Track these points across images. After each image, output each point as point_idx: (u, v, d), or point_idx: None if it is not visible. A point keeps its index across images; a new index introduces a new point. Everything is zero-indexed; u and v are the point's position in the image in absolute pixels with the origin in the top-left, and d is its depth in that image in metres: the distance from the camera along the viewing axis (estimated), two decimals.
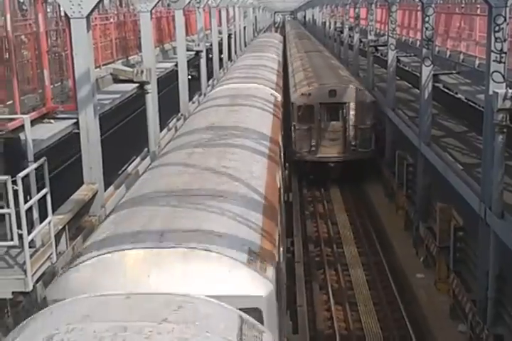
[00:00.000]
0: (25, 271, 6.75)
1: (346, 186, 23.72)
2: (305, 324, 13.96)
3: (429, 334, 13.29)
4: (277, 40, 45.59)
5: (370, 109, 22.57)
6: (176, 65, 19.25)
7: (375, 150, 22.71)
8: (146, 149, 14.26)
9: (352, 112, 22.48)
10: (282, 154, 13.14)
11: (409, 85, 25.04)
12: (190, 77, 23.45)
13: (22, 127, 7.75)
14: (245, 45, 42.93)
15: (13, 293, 6.84)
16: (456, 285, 13.37)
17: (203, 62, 23.53)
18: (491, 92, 10.87)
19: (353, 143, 22.52)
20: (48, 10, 15.26)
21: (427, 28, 16.21)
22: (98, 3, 9.48)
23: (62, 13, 12.05)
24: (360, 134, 22.49)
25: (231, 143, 10.36)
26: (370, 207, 21.27)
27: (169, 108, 18.27)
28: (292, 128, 22.84)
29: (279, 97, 18.14)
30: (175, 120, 18.03)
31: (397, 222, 19.07)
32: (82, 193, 9.46)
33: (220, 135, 11.01)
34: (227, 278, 5.91)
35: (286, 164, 18.13)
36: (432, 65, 16.35)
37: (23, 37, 11.80)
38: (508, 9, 10.94)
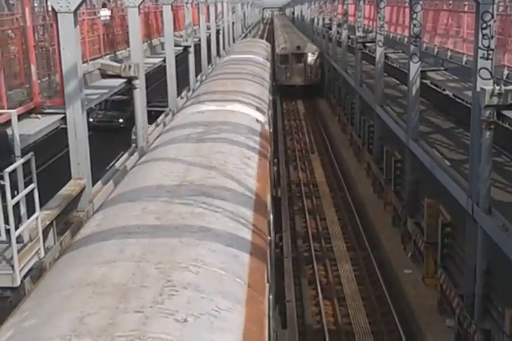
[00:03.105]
0: (12, 267, 6.72)
1: (335, 184, 24.03)
2: (294, 319, 14.00)
3: (417, 329, 13.36)
4: (262, 56, 26.02)
5: (318, 56, 41.27)
6: (164, 61, 19.18)
7: (321, 79, 41.41)
8: (134, 144, 14.20)
9: (308, 58, 41.25)
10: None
11: (397, 82, 25.11)
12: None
13: (9, 122, 7.71)
14: (234, 41, 42.81)
15: (0, 288, 6.81)
16: (443, 280, 13.43)
17: (191, 57, 23.48)
18: (478, 89, 10.91)
19: (309, 75, 41.35)
20: (35, 4, 15.17)
21: (414, 25, 16.24)
22: None
23: (50, 8, 11.96)
24: (313, 70, 41.31)
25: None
26: (358, 203, 21.33)
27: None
28: (276, 67, 40.70)
29: None
30: (163, 115, 17.97)
31: (386, 217, 19.14)
32: (69, 188, 9.42)
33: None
34: None
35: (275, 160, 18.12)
36: (419, 62, 16.38)
37: (9, 32, 11.71)
38: (495, 6, 10.98)
